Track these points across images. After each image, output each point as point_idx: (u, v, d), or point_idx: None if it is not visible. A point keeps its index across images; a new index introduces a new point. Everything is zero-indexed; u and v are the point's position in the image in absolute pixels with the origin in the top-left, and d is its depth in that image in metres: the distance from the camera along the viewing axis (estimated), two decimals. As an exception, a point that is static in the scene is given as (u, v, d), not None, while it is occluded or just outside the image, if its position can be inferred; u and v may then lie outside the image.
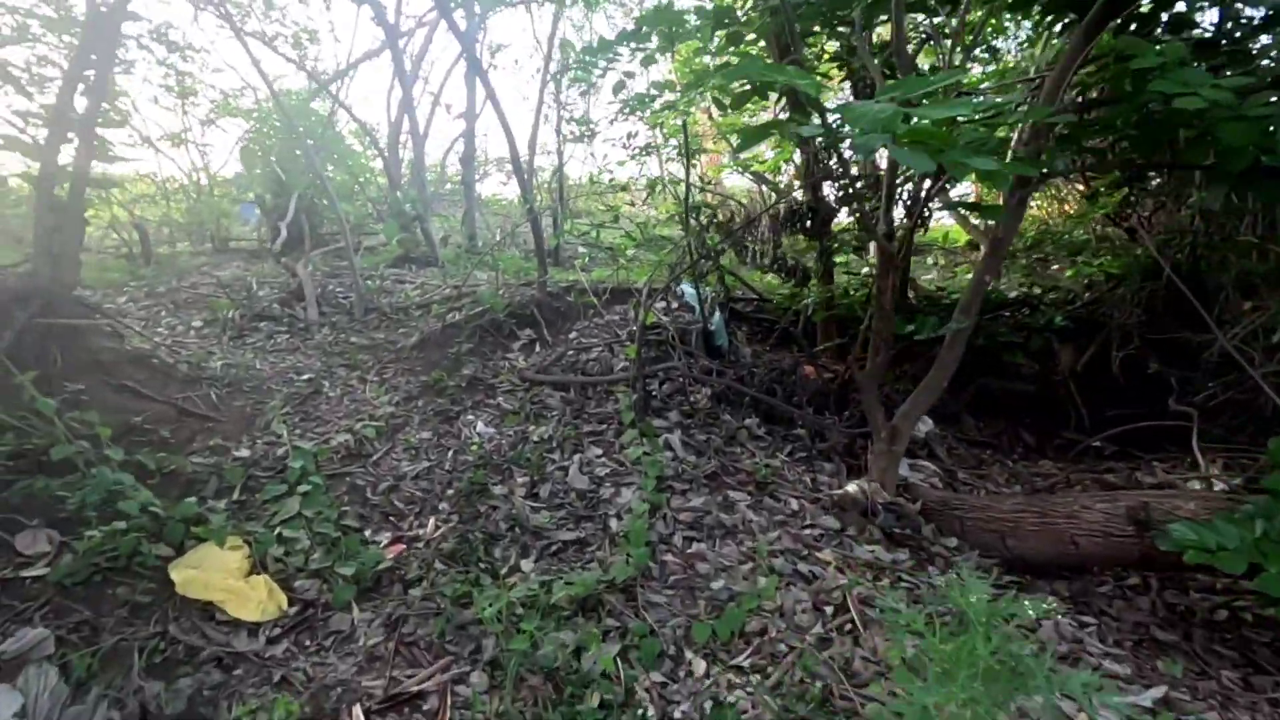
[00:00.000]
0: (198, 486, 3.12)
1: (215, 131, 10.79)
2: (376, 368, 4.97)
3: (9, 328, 3.18)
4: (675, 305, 6.21)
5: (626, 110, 4.28)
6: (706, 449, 4.25)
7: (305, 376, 4.66)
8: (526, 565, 3.04)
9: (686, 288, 6.25)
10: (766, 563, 3.17)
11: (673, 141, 6.24)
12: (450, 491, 3.53)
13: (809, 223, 3.86)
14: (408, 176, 9.53)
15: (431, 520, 3.27)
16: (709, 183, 6.85)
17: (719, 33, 3.37)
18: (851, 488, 3.64)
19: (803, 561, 3.23)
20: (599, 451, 4.13)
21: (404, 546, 3.01)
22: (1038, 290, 6.38)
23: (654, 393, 4.86)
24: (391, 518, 3.28)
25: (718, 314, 5.70)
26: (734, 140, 7.99)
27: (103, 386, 3.43)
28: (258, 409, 4.04)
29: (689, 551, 3.28)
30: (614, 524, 3.43)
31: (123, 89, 10.56)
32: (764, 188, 11.03)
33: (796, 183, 7.90)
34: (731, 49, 3.61)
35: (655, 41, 3.65)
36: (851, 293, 5.41)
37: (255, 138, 8.03)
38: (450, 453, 3.93)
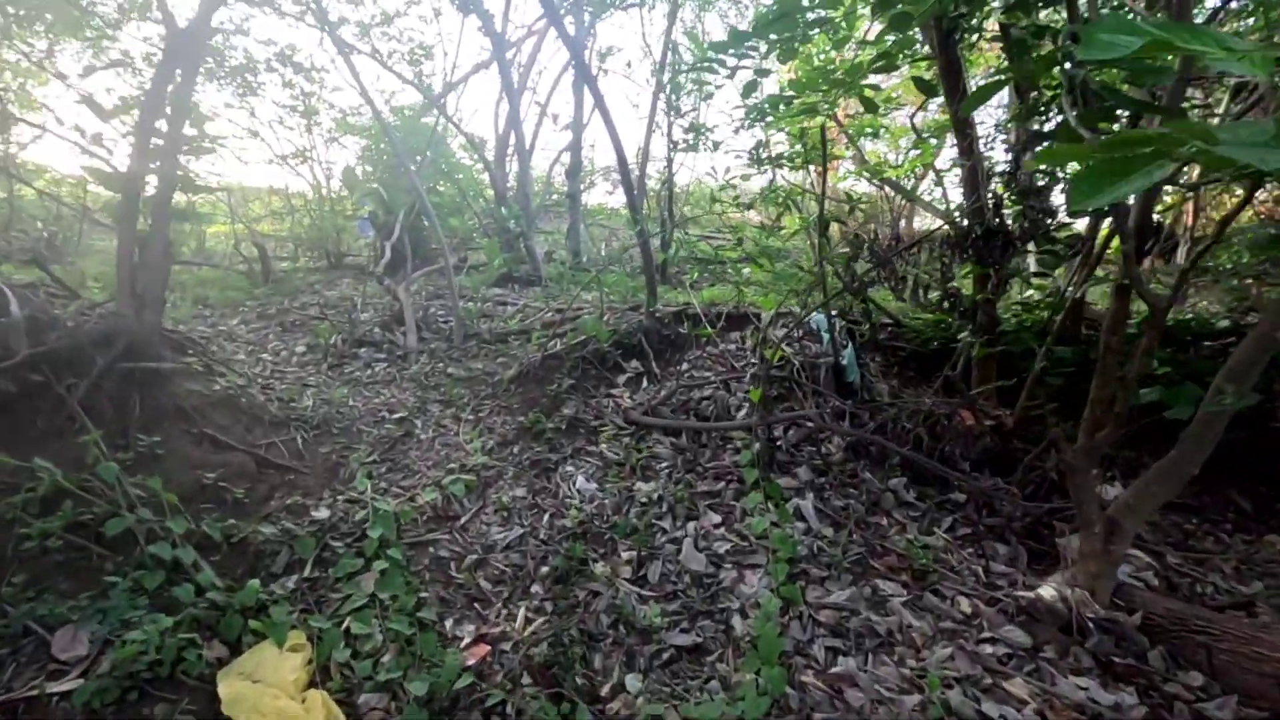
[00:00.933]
0: (266, 560, 2.76)
1: (338, 148, 11.05)
2: (472, 404, 4.58)
3: (86, 375, 2.95)
4: (799, 334, 5.49)
5: (754, 116, 3.64)
6: (845, 519, 3.54)
7: (397, 415, 4.32)
8: (632, 682, 2.46)
9: (814, 314, 5.52)
10: (939, 696, 2.44)
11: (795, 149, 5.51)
12: (544, 569, 3.02)
13: (988, 248, 3.07)
14: (514, 191, 9.30)
15: (522, 610, 2.77)
16: (859, 200, 6.06)
17: (880, 15, 2.67)
18: (1047, 593, 2.83)
19: (988, 697, 2.48)
20: (717, 519, 3.51)
21: (488, 649, 2.51)
22: (1253, 317, 5.19)
23: (779, 441, 4.19)
24: (476, 603, 2.80)
25: (849, 346, 4.96)
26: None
27: (182, 436, 3.17)
28: (344, 456, 3.72)
29: (834, 670, 2.60)
30: (738, 623, 2.81)
31: (251, 108, 11.06)
32: (889, 192, 10.04)
33: (931, 187, 6.94)
34: (893, 35, 2.90)
35: (783, 33, 3.01)
36: (1024, 322, 4.51)
37: (366, 155, 8.00)
38: (546, 516, 3.43)
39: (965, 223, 3.28)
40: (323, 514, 3.12)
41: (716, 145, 3.96)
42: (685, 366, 5.30)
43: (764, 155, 3.93)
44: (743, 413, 4.19)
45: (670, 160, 8.36)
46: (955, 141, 4.05)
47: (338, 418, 4.11)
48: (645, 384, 5.02)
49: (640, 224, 4.87)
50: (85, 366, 3.00)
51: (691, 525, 3.44)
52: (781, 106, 3.50)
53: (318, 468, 3.54)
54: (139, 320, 3.14)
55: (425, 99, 8.83)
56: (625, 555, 3.18)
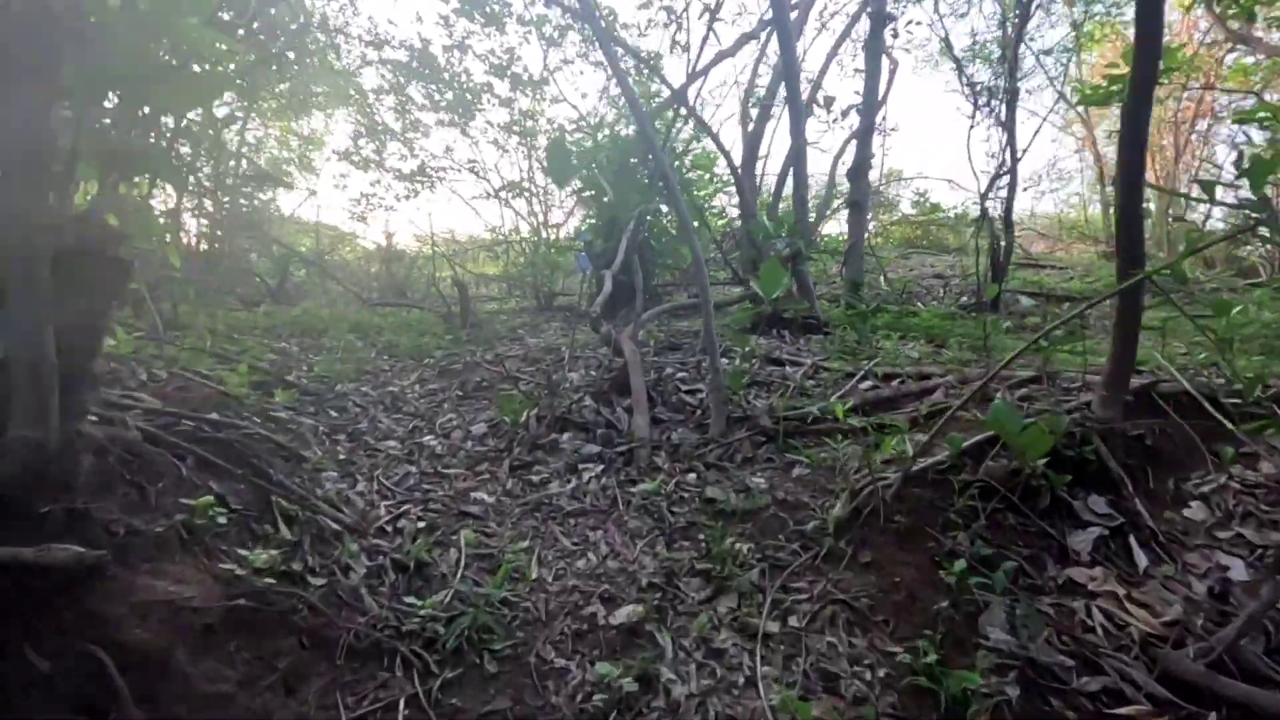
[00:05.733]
0: None
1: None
2: (770, 588, 2.18)
3: None
4: None
5: None
6: None
7: (622, 615, 2.04)
8: None
9: None
10: None
11: None
12: None
13: None
14: (763, 206, 7.04)
15: None
16: None
17: None
18: None
19: None
20: None
21: None
22: None
23: None
24: None
25: None
26: None
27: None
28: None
29: None
30: None
31: (468, 133, 10.14)
32: None
33: None
34: None
35: None
36: None
37: (584, 155, 6.21)
38: None
39: None
40: None
41: None
42: (1201, 516, 2.48)
43: None
44: None
45: (1010, 153, 5.56)
46: None
47: (497, 629, 1.91)
48: (1138, 551, 2.28)
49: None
50: None
51: None
52: None
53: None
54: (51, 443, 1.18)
55: (655, 93, 6.93)
56: None
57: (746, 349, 3.84)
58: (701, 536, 2.50)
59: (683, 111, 6.79)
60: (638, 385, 3.45)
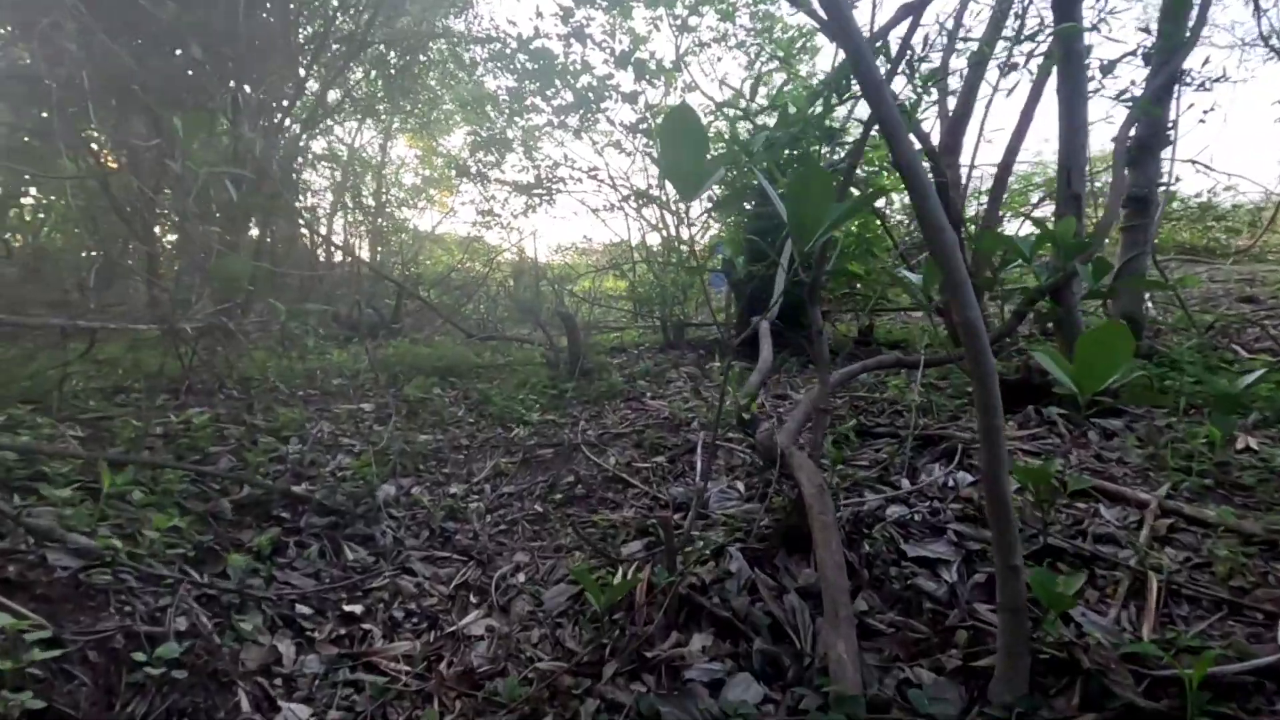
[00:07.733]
0: None
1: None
2: None
3: None
4: None
5: None
6: None
7: None
8: None
9: None
10: None
11: None
12: None
13: None
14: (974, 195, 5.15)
15: None
16: None
17: None
18: None
19: None
20: None
21: None
22: None
23: None
24: None
25: None
26: None
27: None
28: None
29: None
30: None
31: (594, 142, 8.91)
32: None
33: None
34: None
35: None
36: None
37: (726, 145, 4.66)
38: None
39: None
40: None
41: None
42: None
43: None
44: None
45: None
46: None
47: None
48: None
49: None
50: None
51: None
52: None
53: None
54: None
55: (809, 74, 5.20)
56: None
57: (1041, 485, 2.04)
58: None
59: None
60: (831, 571, 1.80)
